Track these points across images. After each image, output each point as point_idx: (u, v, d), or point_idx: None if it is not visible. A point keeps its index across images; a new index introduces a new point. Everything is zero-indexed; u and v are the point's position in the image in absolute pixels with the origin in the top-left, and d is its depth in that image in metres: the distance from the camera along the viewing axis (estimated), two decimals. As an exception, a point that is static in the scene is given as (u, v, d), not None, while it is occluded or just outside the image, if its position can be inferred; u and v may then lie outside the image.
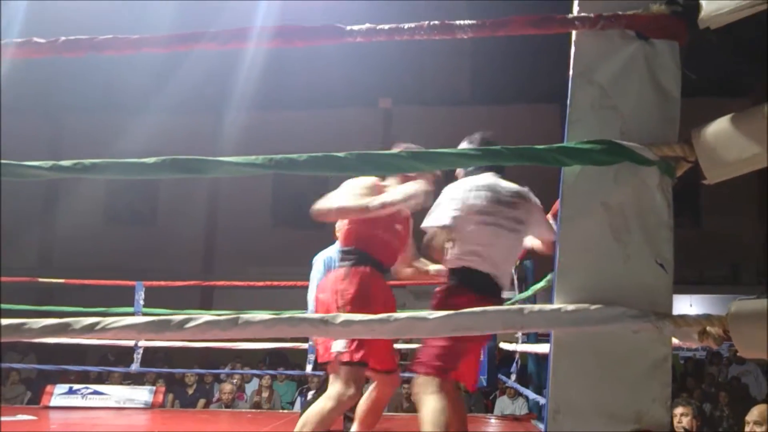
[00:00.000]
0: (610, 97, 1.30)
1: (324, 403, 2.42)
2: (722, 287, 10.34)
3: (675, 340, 1.29)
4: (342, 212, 2.55)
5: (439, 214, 2.48)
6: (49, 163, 1.37)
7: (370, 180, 2.60)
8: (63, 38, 1.57)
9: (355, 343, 2.41)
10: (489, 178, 2.53)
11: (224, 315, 1.35)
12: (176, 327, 1.33)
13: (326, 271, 4.10)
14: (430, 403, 2.27)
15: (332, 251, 4.18)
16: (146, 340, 5.72)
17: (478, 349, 2.46)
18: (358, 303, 2.45)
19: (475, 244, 2.43)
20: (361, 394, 2.55)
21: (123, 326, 1.37)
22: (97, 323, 1.34)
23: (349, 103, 11.27)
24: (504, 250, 2.48)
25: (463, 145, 2.59)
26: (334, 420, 2.55)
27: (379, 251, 2.61)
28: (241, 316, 1.32)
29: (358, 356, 2.41)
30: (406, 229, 2.76)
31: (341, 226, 2.77)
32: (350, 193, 2.53)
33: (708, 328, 1.24)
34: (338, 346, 2.43)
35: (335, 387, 2.42)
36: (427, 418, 2.24)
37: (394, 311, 2.84)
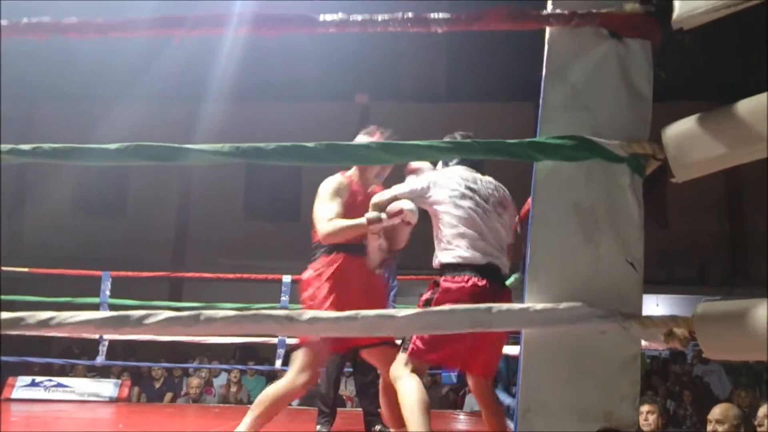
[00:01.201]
0: (583, 96, 1.30)
1: (283, 384, 2.52)
2: (689, 288, 10.52)
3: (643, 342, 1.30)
4: (349, 232, 2.56)
5: (416, 183, 2.48)
6: (8, 146, 1.32)
7: (338, 181, 2.67)
8: (26, 20, 1.52)
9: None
10: (465, 171, 2.53)
11: (186, 310, 1.32)
12: (136, 323, 1.29)
13: None
14: (401, 386, 2.32)
15: None
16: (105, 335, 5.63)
17: (493, 337, 2.44)
18: (337, 290, 2.55)
19: (463, 227, 2.40)
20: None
21: (80, 321, 1.32)
22: (53, 318, 1.29)
23: (326, 98, 11.21)
24: (494, 232, 2.44)
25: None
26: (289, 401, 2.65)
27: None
28: (203, 312, 1.28)
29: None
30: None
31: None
32: (333, 205, 2.58)
33: (674, 330, 1.25)
34: None
35: (292, 371, 2.51)
36: (403, 401, 2.29)
37: (381, 290, 2.88)
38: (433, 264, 2.49)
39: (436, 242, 2.47)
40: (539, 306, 1.23)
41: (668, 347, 1.24)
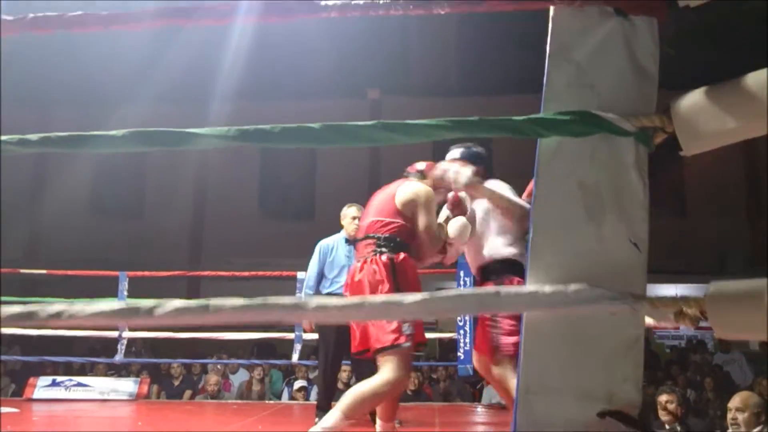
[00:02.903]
0: (587, 74, 1.28)
1: (379, 386, 2.43)
2: (708, 276, 10.35)
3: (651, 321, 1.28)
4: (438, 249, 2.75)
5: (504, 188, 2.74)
6: (16, 137, 1.33)
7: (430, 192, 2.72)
8: (32, 15, 1.53)
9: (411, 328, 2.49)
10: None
11: (196, 301, 1.32)
12: (146, 313, 1.29)
13: (322, 258, 4.20)
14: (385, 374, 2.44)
15: (332, 240, 4.20)
16: (126, 330, 5.68)
17: None
18: (400, 284, 2.52)
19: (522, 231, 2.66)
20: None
21: (92, 313, 1.33)
22: (64, 311, 1.30)
23: (337, 94, 11.21)
24: None
25: (453, 151, 2.84)
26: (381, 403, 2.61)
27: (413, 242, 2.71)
28: (212, 301, 1.28)
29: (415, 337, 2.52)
30: None
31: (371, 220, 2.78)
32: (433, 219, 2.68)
33: (684, 309, 1.23)
34: (406, 328, 2.47)
35: (390, 372, 2.43)
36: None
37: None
38: (493, 256, 2.69)
39: (501, 236, 2.69)
40: (548, 288, 1.21)
41: (679, 325, 1.22)
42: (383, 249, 2.59)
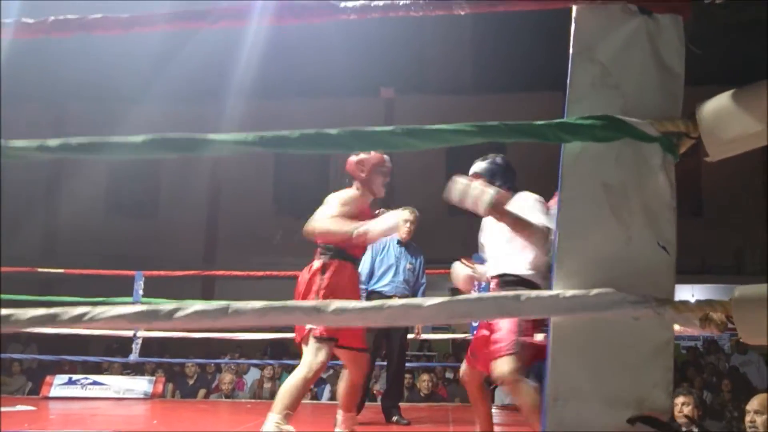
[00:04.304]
0: (612, 74, 1.26)
1: (299, 372, 2.70)
2: (725, 276, 10.29)
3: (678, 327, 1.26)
4: (328, 235, 2.84)
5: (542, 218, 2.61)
6: (36, 142, 1.33)
7: (350, 194, 2.97)
8: (52, 18, 1.53)
9: None
10: None
11: (215, 303, 1.31)
12: (166, 316, 1.29)
13: (374, 255, 4.45)
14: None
15: (385, 239, 4.30)
16: (142, 330, 5.71)
17: None
18: (330, 290, 2.78)
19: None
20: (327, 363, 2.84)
21: (112, 316, 1.33)
22: (86, 314, 1.30)
23: (351, 93, 11.20)
24: None
25: (479, 164, 2.78)
26: (308, 388, 2.90)
27: (350, 248, 2.92)
28: (232, 304, 1.28)
29: (327, 332, 2.74)
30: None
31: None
32: (333, 212, 2.85)
33: (711, 314, 1.21)
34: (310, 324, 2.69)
35: (307, 357, 2.72)
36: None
37: (358, 296, 3.16)
38: (513, 271, 2.66)
39: (524, 254, 2.63)
40: (569, 293, 1.19)
41: (705, 332, 1.19)
42: (323, 256, 2.90)
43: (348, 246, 2.87)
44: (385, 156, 3.04)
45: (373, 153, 2.99)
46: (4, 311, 1.31)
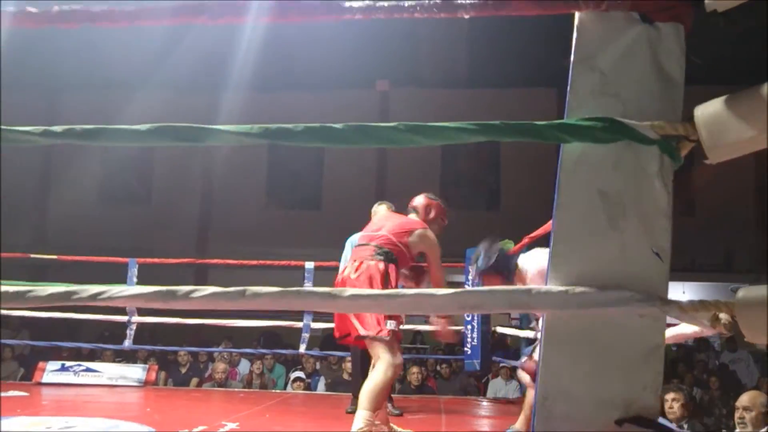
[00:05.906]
0: (612, 83, 1.28)
1: (384, 374, 2.77)
2: (715, 274, 10.38)
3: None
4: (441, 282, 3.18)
5: None
6: (41, 128, 1.34)
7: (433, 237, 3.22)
8: (57, 8, 1.53)
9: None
10: None
11: (232, 288, 1.33)
12: (183, 296, 1.31)
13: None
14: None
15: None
16: (148, 311, 5.71)
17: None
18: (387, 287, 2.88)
19: None
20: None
21: (130, 295, 1.36)
22: (103, 292, 1.32)
23: (346, 85, 11.18)
24: None
25: (473, 266, 3.10)
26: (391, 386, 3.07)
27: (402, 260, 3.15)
28: (249, 288, 1.30)
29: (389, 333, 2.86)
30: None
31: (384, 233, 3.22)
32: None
33: (719, 315, 1.22)
34: (389, 324, 2.84)
35: (385, 358, 2.80)
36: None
37: None
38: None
39: None
40: (579, 288, 1.21)
41: (715, 332, 1.22)
42: (380, 257, 3.02)
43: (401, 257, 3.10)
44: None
45: (439, 201, 3.33)
46: (24, 288, 1.33)
